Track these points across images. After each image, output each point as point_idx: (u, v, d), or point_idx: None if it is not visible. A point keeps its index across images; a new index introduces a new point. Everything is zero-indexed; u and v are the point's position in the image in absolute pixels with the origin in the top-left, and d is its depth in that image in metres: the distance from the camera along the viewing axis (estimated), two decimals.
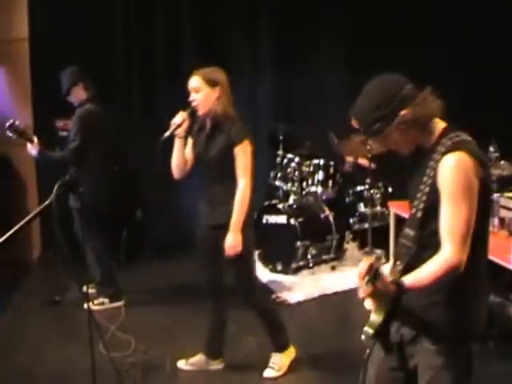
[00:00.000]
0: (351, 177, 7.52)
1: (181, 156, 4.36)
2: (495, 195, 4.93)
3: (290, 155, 7.38)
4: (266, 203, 7.01)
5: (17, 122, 5.46)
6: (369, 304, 2.43)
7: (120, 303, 5.95)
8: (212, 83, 4.22)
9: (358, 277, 2.30)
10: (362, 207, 7.40)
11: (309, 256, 6.91)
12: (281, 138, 7.44)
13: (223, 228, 4.23)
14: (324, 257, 7.10)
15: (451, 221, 2.36)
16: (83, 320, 3.82)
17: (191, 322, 5.39)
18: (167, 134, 4.20)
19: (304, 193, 7.36)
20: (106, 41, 7.58)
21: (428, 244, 2.43)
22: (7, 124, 5.39)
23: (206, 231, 4.46)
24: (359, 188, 7.41)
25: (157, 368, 4.72)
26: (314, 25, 7.88)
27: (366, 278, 2.25)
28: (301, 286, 6.50)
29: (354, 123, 2.54)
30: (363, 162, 7.21)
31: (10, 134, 5.45)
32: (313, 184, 7.33)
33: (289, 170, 7.34)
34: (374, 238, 6.89)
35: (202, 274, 4.60)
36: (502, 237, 4.86)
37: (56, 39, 7.20)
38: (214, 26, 7.79)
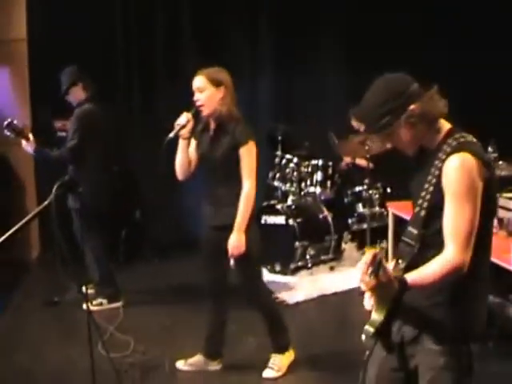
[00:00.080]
0: (349, 177, 7.52)
1: (185, 157, 4.34)
2: None
3: (288, 155, 7.38)
4: (265, 203, 7.02)
5: (15, 121, 5.46)
6: (369, 304, 2.43)
7: (119, 304, 5.95)
8: (216, 83, 4.19)
9: (362, 269, 2.28)
10: (360, 208, 7.41)
11: (307, 256, 6.91)
12: (279, 138, 7.44)
13: (228, 229, 4.21)
14: (322, 257, 7.10)
15: (455, 221, 2.36)
16: (82, 320, 3.81)
17: (191, 322, 5.38)
18: (171, 134, 4.16)
19: (302, 193, 7.36)
20: (106, 41, 7.56)
21: (431, 243, 2.43)
22: (5, 123, 5.39)
23: (210, 232, 4.44)
24: (358, 188, 7.42)
25: (156, 368, 4.72)
26: (314, 25, 7.88)
27: (370, 269, 2.24)
28: (299, 287, 6.50)
29: (354, 123, 2.54)
30: (361, 162, 7.22)
31: (8, 133, 5.45)
32: (311, 184, 7.32)
33: (287, 170, 7.33)
34: (373, 239, 6.88)
35: (205, 274, 4.58)
36: (501, 237, 4.85)
37: (55, 39, 7.18)
38: (214, 26, 7.78)
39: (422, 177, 2.47)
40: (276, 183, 7.46)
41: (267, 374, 4.60)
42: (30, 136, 5.59)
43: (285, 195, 7.43)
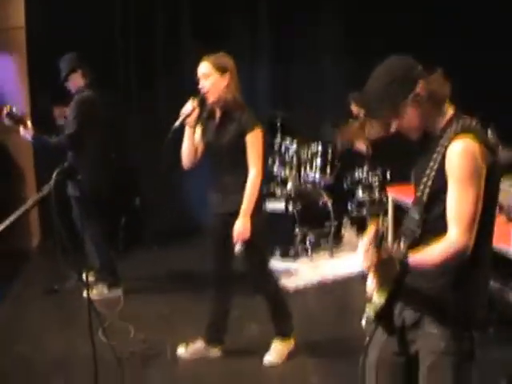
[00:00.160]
0: (348, 160, 7.48)
1: (191, 145, 4.33)
2: None
3: (287, 142, 7.37)
4: (264, 190, 7.00)
5: (14, 109, 5.44)
6: (371, 285, 2.43)
7: (119, 291, 5.95)
8: (221, 69, 4.17)
9: (365, 244, 2.30)
10: (360, 193, 7.40)
11: (307, 242, 6.92)
12: (278, 124, 7.43)
13: (234, 216, 4.21)
14: (322, 243, 7.10)
15: (458, 205, 2.36)
16: (83, 308, 3.79)
17: (191, 309, 5.39)
18: (177, 123, 4.14)
19: (302, 179, 7.35)
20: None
21: (433, 228, 2.43)
22: (4, 111, 5.37)
23: (216, 220, 4.43)
24: (357, 174, 7.40)
25: (156, 356, 4.73)
26: (313, 13, 7.85)
27: (372, 244, 2.25)
28: (299, 273, 6.50)
29: (354, 109, 2.54)
30: (361, 146, 7.19)
31: (7, 121, 5.44)
32: (311, 170, 7.32)
33: (287, 156, 7.33)
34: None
35: (211, 262, 4.58)
36: (500, 222, 4.84)
37: (54, 27, 7.13)
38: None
39: (425, 162, 2.47)
40: (275, 169, 7.45)
41: (268, 359, 4.62)
42: (29, 123, 5.58)
43: (284, 181, 7.42)
